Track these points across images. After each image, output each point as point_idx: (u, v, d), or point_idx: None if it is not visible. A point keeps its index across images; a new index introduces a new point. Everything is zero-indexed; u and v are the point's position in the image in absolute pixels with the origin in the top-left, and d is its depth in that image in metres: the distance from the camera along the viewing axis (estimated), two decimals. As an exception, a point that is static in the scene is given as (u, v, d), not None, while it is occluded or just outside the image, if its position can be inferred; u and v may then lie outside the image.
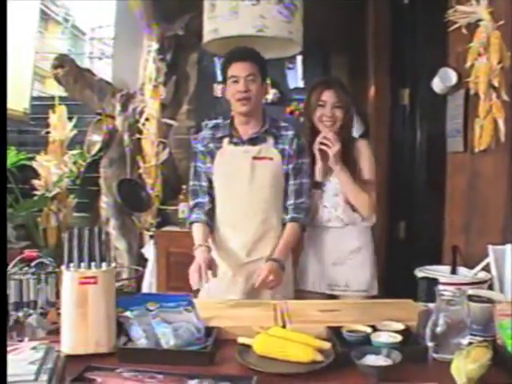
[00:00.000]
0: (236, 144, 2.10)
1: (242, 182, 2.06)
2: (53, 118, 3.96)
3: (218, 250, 2.12)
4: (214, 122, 2.18)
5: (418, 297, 1.60)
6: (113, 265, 1.51)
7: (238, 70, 2.03)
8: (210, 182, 2.14)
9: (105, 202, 3.73)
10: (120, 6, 4.08)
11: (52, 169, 3.74)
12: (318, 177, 2.17)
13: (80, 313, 1.41)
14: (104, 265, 1.47)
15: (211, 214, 2.14)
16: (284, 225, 2.10)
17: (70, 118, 4.04)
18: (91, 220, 3.88)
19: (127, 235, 3.71)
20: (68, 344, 1.40)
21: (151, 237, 3.59)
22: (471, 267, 2.08)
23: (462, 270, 2.11)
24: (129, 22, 3.89)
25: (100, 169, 3.79)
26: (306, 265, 2.26)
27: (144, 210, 3.65)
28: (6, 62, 2.10)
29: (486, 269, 2.07)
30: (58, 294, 1.61)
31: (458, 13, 2.32)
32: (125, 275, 3.46)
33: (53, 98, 4.06)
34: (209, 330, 1.51)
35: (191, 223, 2.13)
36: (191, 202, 2.18)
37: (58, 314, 1.52)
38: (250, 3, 2.67)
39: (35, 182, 3.86)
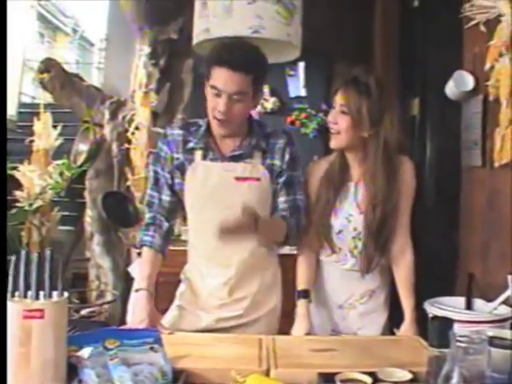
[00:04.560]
0: (213, 160, 1.72)
1: (220, 206, 1.67)
2: (37, 126, 3.74)
3: (189, 286, 1.80)
4: (190, 121, 1.79)
5: (428, 339, 1.34)
6: (65, 295, 1.29)
7: (223, 81, 1.56)
8: (174, 195, 1.77)
9: (89, 216, 3.50)
10: (112, 10, 3.90)
11: (35, 180, 3.52)
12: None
13: (22, 352, 1.18)
14: (55, 295, 1.25)
15: (169, 235, 1.81)
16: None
17: (55, 126, 3.82)
18: (77, 234, 3.67)
19: (112, 252, 3.47)
20: (7, 390, 1.18)
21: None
22: (490, 299, 1.80)
23: (478, 302, 1.83)
24: (121, 26, 3.70)
25: (86, 180, 3.57)
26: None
27: (131, 225, 3.38)
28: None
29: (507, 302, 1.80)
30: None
31: (475, 8, 2.01)
32: (109, 297, 3.22)
33: (39, 105, 3.86)
34: (177, 374, 1.26)
35: (142, 246, 1.77)
36: (147, 217, 1.80)
37: None
38: (246, 1, 2.44)
39: (18, 193, 3.63)
